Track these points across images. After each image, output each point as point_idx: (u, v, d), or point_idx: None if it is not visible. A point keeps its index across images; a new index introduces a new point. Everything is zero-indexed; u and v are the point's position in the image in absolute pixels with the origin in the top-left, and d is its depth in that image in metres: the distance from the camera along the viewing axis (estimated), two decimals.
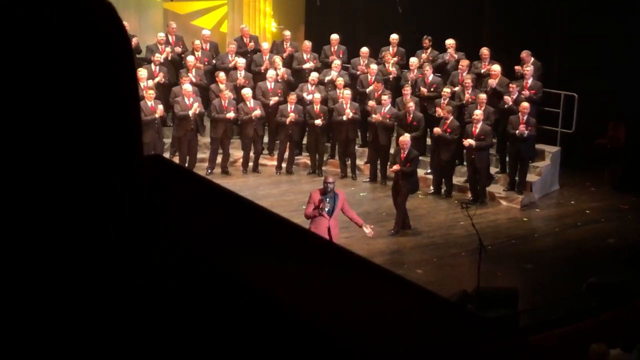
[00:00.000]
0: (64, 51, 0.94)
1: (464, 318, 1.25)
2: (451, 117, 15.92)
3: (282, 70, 18.00)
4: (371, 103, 16.91)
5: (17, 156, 0.94)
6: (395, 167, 14.69)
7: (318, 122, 16.93)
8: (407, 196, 14.57)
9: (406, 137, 14.76)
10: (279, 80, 17.87)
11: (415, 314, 1.21)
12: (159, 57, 17.52)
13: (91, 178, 0.97)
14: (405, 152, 14.55)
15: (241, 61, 17.97)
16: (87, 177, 0.97)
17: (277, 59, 18.16)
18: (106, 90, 0.98)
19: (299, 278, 1.23)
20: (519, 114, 15.74)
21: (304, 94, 17.49)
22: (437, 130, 15.93)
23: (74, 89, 0.95)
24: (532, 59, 16.88)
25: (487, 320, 1.36)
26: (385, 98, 16.71)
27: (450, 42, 17.82)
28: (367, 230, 12.69)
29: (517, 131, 15.61)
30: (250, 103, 16.97)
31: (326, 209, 11.92)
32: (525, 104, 15.74)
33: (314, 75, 17.72)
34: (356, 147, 17.70)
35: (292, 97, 17.11)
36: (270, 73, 17.71)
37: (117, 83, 1.00)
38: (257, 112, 16.85)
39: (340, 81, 17.37)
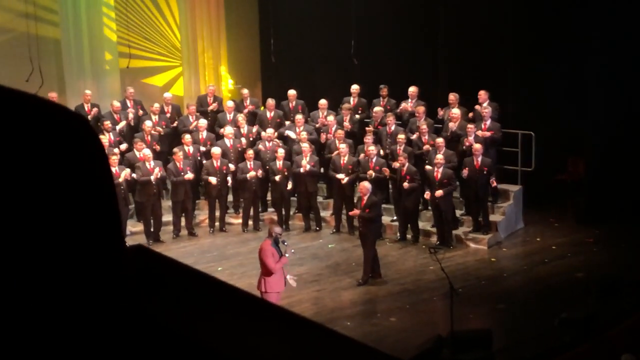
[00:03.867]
0: (49, 163, 1.04)
1: None
2: (407, 163, 16.07)
3: (245, 128, 18.11)
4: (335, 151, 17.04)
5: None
6: (355, 211, 14.79)
7: (277, 177, 17.03)
8: (372, 244, 14.54)
9: (365, 184, 14.76)
10: (243, 137, 17.96)
11: None
12: (108, 124, 17.38)
13: (73, 271, 1.05)
14: (365, 198, 14.52)
15: (202, 122, 18.05)
16: (70, 270, 1.04)
17: (241, 117, 18.26)
18: (87, 198, 1.07)
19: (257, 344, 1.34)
20: (473, 155, 15.93)
21: (260, 146, 17.63)
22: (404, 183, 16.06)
23: (57, 198, 1.04)
24: (488, 100, 17.12)
25: None
26: (343, 147, 16.87)
27: (412, 90, 18.00)
28: (291, 282, 12.44)
29: (463, 173, 15.82)
30: (218, 162, 17.04)
31: (287, 255, 11.98)
32: (478, 146, 15.90)
33: (269, 132, 17.83)
34: (321, 199, 17.84)
35: (250, 153, 17.20)
36: (228, 130, 17.79)
37: (96, 189, 1.08)
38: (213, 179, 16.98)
39: (304, 135, 17.47)
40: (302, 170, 16.92)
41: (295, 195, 17.69)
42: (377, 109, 18.00)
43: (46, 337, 1.04)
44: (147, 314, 1.26)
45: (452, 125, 16.81)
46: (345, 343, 1.44)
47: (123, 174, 16.00)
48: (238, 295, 1.49)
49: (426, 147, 16.65)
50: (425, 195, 16.03)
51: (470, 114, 17.25)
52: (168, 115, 18.72)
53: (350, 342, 1.44)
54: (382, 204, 16.56)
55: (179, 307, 1.37)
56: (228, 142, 17.71)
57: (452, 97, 17.37)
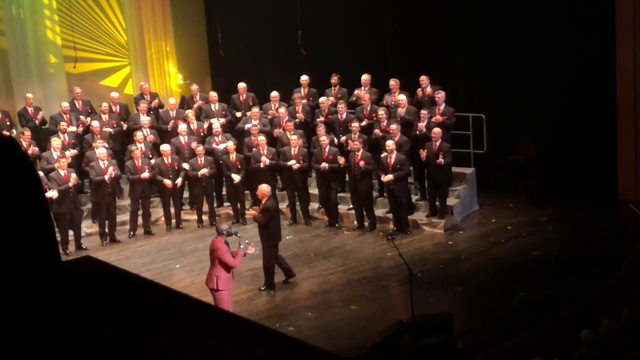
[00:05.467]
0: None
1: None
2: (361, 149, 16.09)
3: (195, 124, 18.03)
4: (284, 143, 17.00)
5: None
6: (250, 211, 14.21)
7: (236, 177, 16.96)
8: (268, 250, 13.73)
9: (263, 187, 14.03)
10: (194, 134, 17.89)
11: None
12: (64, 125, 17.27)
13: (7, 287, 1.02)
14: (263, 202, 13.81)
15: (145, 119, 17.87)
16: (4, 286, 1.02)
17: (190, 113, 18.16)
18: (15, 217, 1.04)
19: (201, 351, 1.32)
20: (432, 140, 16.00)
21: (213, 145, 17.53)
22: (341, 159, 16.25)
23: None
24: (430, 84, 17.20)
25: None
26: (294, 138, 16.83)
27: (365, 77, 18.00)
28: (251, 250, 12.27)
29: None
30: (169, 159, 16.92)
31: (242, 246, 11.93)
32: (437, 130, 15.99)
33: (216, 126, 17.72)
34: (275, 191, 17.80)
35: (200, 149, 17.08)
36: (182, 127, 17.67)
37: (24, 207, 1.06)
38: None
39: (255, 127, 17.43)
40: (262, 165, 16.83)
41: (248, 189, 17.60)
42: (322, 99, 18.03)
43: None
44: (93, 325, 1.24)
45: (401, 111, 16.86)
46: (295, 345, 1.43)
47: (72, 178, 15.73)
48: (187, 302, 1.48)
49: (376, 131, 16.69)
50: (383, 179, 15.99)
51: (419, 93, 17.32)
52: (117, 114, 18.54)
53: (299, 344, 1.44)
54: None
55: (127, 318, 1.34)
56: (182, 139, 17.59)
57: (393, 82, 17.46)
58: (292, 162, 16.67)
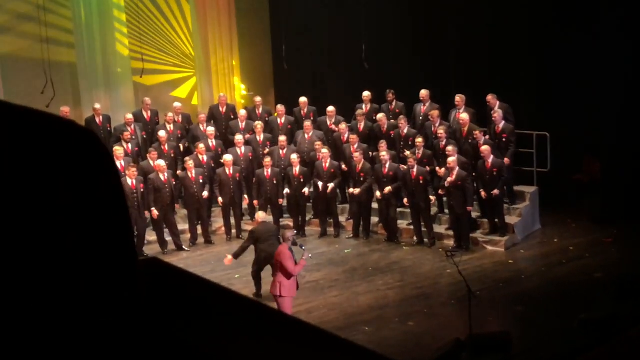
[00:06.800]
0: (58, 176, 1.04)
1: None
2: (415, 165, 16.03)
3: (262, 136, 18.17)
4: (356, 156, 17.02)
5: (21, 267, 1.01)
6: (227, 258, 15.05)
7: (305, 190, 17.11)
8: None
9: (259, 214, 14.72)
10: (260, 145, 18.03)
11: None
12: (127, 134, 17.53)
13: (86, 282, 1.05)
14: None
15: (210, 129, 18.07)
16: (83, 281, 1.05)
17: (259, 125, 18.30)
18: (97, 211, 1.07)
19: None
20: (484, 158, 15.88)
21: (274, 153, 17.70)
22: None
23: (67, 209, 1.04)
24: (498, 102, 17.00)
25: None
26: (357, 155, 16.83)
27: (424, 93, 17.90)
28: (307, 255, 12.63)
29: (492, 193, 15.81)
30: (230, 170, 17.05)
31: (304, 257, 12.11)
32: (485, 148, 15.83)
33: (282, 138, 17.83)
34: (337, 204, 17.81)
35: (267, 160, 17.18)
36: (238, 138, 17.81)
37: (105, 202, 1.09)
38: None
39: (317, 143, 17.53)
40: (328, 190, 16.99)
41: (311, 201, 17.69)
42: (380, 115, 17.96)
43: (54, 350, 1.04)
44: (160, 326, 1.26)
45: (463, 130, 16.75)
46: (360, 353, 1.43)
47: (140, 186, 15.98)
48: (251, 306, 1.49)
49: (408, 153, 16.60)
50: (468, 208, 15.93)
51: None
52: (180, 124, 18.80)
53: (364, 351, 1.44)
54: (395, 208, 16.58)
55: (192, 320, 1.36)
56: (238, 150, 17.73)
57: (459, 98, 17.30)
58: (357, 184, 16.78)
